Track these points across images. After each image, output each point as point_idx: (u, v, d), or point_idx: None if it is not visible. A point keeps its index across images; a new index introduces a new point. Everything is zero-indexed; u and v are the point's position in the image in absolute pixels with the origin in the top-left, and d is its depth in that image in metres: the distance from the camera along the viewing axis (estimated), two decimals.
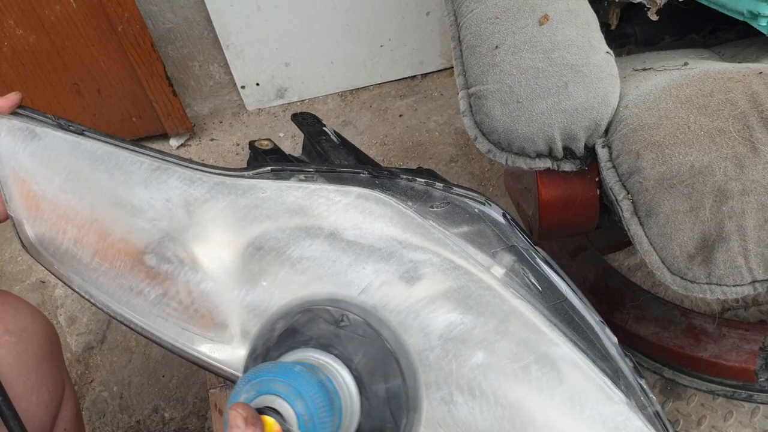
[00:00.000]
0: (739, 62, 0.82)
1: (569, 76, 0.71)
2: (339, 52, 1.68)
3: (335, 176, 0.70)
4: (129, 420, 1.25)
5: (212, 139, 1.72)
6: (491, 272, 0.65)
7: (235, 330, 0.64)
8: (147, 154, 0.65)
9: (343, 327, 0.59)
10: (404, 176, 0.72)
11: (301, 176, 0.68)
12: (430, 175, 0.87)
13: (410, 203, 0.68)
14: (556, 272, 0.68)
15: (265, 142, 0.81)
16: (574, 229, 0.85)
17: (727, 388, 1.13)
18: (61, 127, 0.65)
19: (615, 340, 0.66)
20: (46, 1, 1.41)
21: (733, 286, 0.67)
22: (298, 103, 1.76)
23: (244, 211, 0.64)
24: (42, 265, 0.65)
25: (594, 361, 0.63)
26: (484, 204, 0.71)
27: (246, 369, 0.61)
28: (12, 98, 0.66)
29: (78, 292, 0.65)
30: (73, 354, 1.35)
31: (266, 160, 0.78)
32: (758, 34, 0.80)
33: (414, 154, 1.60)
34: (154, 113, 1.65)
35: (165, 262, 0.64)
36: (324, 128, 0.88)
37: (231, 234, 0.64)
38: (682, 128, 0.68)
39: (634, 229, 0.68)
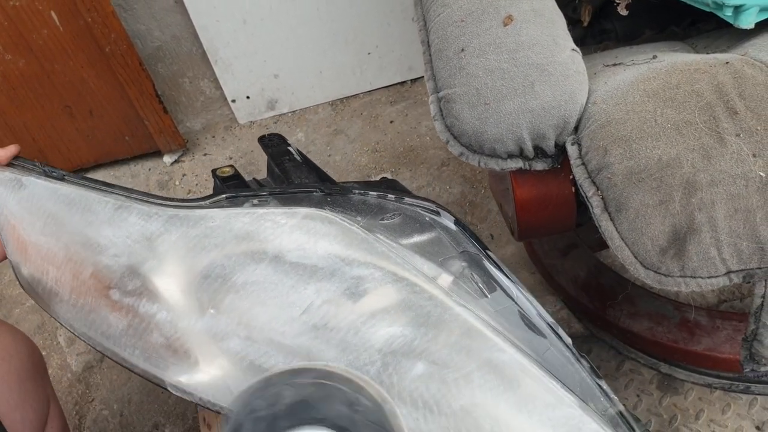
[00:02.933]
0: (709, 53, 0.82)
1: (535, 75, 0.71)
2: (327, 61, 1.69)
3: (288, 198, 0.72)
4: None
5: (205, 154, 1.73)
6: (437, 282, 0.65)
7: (195, 357, 0.65)
8: (113, 193, 0.69)
9: (357, 411, 0.59)
10: (357, 191, 0.73)
11: (255, 201, 0.71)
12: (391, 186, 0.87)
13: (360, 218, 0.69)
14: (506, 276, 0.68)
15: (227, 169, 0.82)
16: (553, 228, 0.85)
17: (724, 381, 1.12)
18: (45, 174, 0.70)
19: (569, 341, 0.66)
20: (32, 25, 1.43)
21: (708, 278, 0.67)
22: (289, 114, 1.77)
23: (195, 241, 0.67)
24: (36, 303, 0.70)
25: (542, 365, 0.63)
26: (435, 213, 0.72)
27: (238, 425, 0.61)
28: (11, 150, 0.72)
29: (64, 326, 0.68)
30: (74, 374, 1.36)
31: (224, 187, 0.79)
32: (730, 24, 0.79)
33: (406, 160, 1.61)
34: (146, 131, 1.67)
35: (127, 296, 0.66)
36: (288, 148, 0.89)
37: (183, 265, 0.67)
38: (649, 122, 0.68)
39: (605, 225, 0.68)
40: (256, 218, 0.68)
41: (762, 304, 0.70)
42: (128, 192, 0.70)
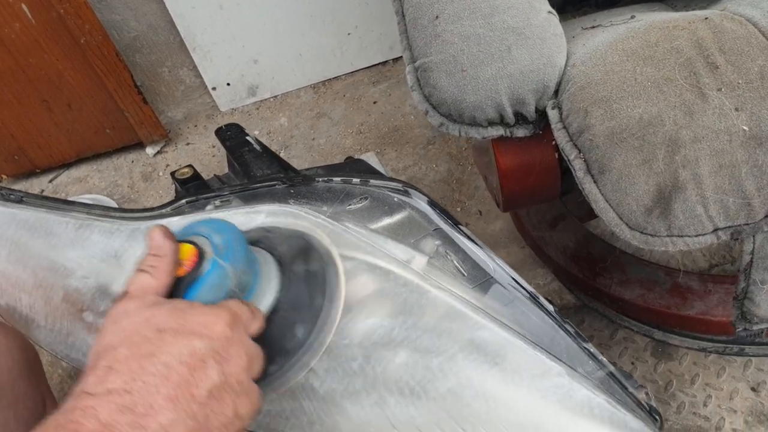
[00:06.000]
0: (688, 11, 0.81)
1: (511, 39, 0.69)
2: (306, 43, 1.67)
3: (250, 195, 0.70)
4: None
5: (188, 144, 1.71)
6: (410, 266, 0.65)
7: None
8: (72, 212, 0.68)
9: (271, 232, 0.62)
10: (320, 179, 0.72)
11: (217, 202, 0.70)
12: (357, 167, 0.86)
13: (326, 207, 0.68)
14: (482, 249, 0.67)
15: (185, 170, 0.81)
16: (538, 196, 0.84)
17: (718, 344, 1.12)
18: (2, 197, 0.69)
19: (551, 307, 0.65)
20: (3, 19, 1.40)
21: (695, 236, 0.66)
22: (271, 99, 1.75)
23: None
24: (19, 330, 0.68)
25: (525, 338, 0.62)
26: (403, 192, 0.71)
27: None
28: None
29: (47, 350, 0.67)
30: (65, 370, 1.34)
31: (183, 190, 0.78)
32: None
33: (391, 140, 1.59)
34: (127, 123, 1.64)
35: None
36: (247, 138, 0.88)
37: None
38: (628, 81, 0.66)
39: (588, 187, 0.67)
40: None
41: (751, 261, 0.70)
42: (88, 209, 0.69)
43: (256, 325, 0.52)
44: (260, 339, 0.52)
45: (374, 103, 1.68)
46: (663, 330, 1.16)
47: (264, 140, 1.64)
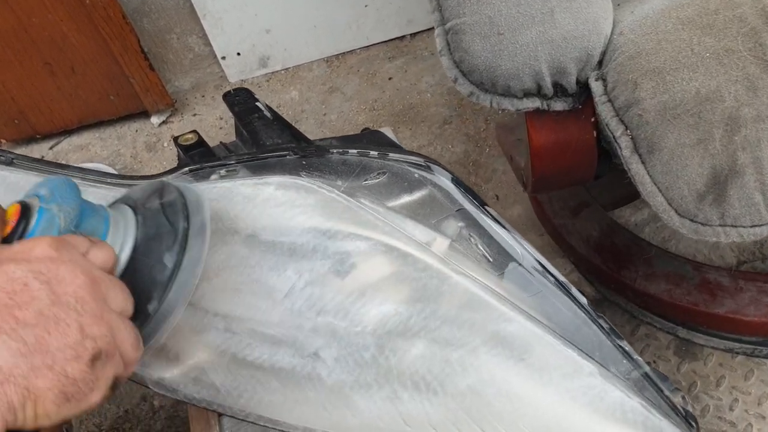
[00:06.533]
0: None
1: (555, 1, 0.63)
2: (321, 15, 1.60)
3: (258, 164, 0.65)
4: (117, 410, 1.19)
5: (195, 115, 1.65)
6: (431, 249, 0.59)
7: (175, 353, 0.60)
8: (65, 176, 0.63)
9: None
10: (335, 150, 0.66)
11: (222, 171, 0.65)
12: (374, 140, 0.80)
13: (340, 182, 0.63)
14: (510, 233, 0.62)
15: (189, 136, 0.75)
16: (570, 178, 0.77)
17: (747, 346, 1.06)
18: None
19: (584, 300, 0.60)
20: None
21: (751, 227, 0.59)
22: (282, 72, 1.68)
23: None
24: None
25: (555, 332, 0.57)
26: (425, 168, 0.65)
27: None
28: None
29: None
30: None
31: (187, 158, 0.72)
32: None
33: (405, 118, 1.53)
34: (132, 90, 1.58)
35: None
36: (257, 104, 0.82)
37: None
38: (684, 51, 0.60)
39: (635, 168, 0.61)
40: (224, 193, 0.62)
41: None
42: (83, 173, 0.64)
43: (100, 254, 0.47)
44: (131, 279, 0.50)
45: (389, 79, 1.61)
46: (688, 328, 1.10)
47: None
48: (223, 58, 1.65)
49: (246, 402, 0.61)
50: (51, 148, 1.64)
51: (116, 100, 1.61)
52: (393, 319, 0.58)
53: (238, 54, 1.65)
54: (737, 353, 1.07)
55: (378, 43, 1.69)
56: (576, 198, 1.19)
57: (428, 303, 0.59)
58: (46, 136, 1.65)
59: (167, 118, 1.65)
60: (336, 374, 0.58)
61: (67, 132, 1.65)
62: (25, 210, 0.48)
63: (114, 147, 1.62)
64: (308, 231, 0.61)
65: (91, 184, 0.66)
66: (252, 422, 0.62)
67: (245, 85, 1.68)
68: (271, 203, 0.62)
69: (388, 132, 1.02)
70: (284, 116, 1.55)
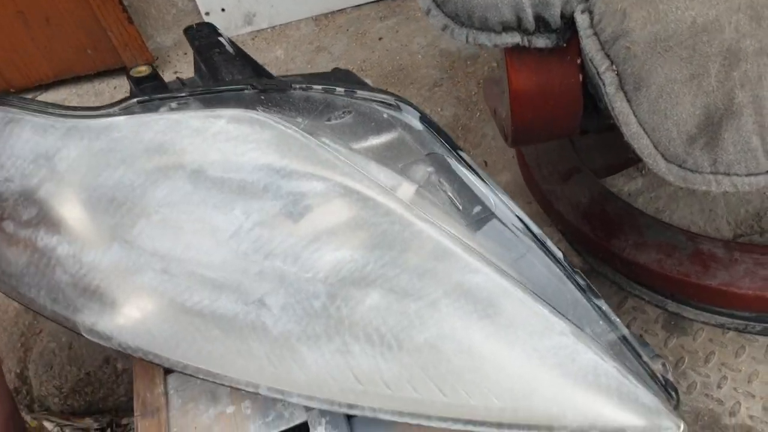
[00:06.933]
0: None
1: None
2: None
3: (213, 98, 0.61)
4: (78, 372, 1.14)
5: (176, 72, 1.58)
6: (395, 194, 0.54)
7: (107, 296, 0.56)
8: (4, 107, 0.60)
9: None
10: (298, 86, 0.61)
11: (173, 104, 0.60)
12: (343, 78, 0.75)
13: (301, 119, 0.58)
14: (483, 180, 0.56)
15: (142, 68, 0.69)
16: (554, 129, 0.71)
17: (739, 321, 1.00)
18: None
19: (560, 254, 0.54)
20: None
21: (746, 175, 0.54)
22: (269, 30, 1.62)
23: (98, 156, 0.57)
24: None
25: (525, 287, 0.51)
26: (395, 107, 0.60)
27: None
28: None
29: None
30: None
31: (138, 90, 0.67)
32: None
33: (394, 80, 1.46)
34: (110, 44, 1.52)
35: (23, 227, 0.57)
36: (220, 38, 0.76)
37: (84, 186, 0.57)
38: None
39: (619, 106, 0.55)
40: (171, 125, 0.57)
41: None
42: (23, 102, 0.60)
43: None
44: None
45: (379, 39, 1.55)
46: (678, 301, 1.04)
47: None
48: (207, 13, 1.59)
49: (184, 352, 0.56)
50: None
51: (93, 54, 1.55)
52: (348, 266, 0.53)
53: (223, 10, 1.58)
54: (728, 329, 1.02)
55: (369, 2, 1.63)
56: (566, 163, 1.13)
57: (388, 250, 0.54)
58: (20, 91, 1.59)
59: None
60: (282, 324, 0.53)
61: (43, 87, 1.59)
62: None
63: (91, 103, 1.56)
64: (260, 168, 0.56)
65: (31, 113, 0.61)
66: (191, 375, 0.57)
67: None
68: (221, 137, 0.57)
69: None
70: None
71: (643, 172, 1.22)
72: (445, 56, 1.48)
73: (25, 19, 1.46)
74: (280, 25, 1.62)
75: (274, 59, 1.56)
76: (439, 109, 1.39)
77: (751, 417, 0.93)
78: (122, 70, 1.58)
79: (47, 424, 1.12)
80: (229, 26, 1.61)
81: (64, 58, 1.54)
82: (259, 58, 1.55)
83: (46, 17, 1.46)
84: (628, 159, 1.13)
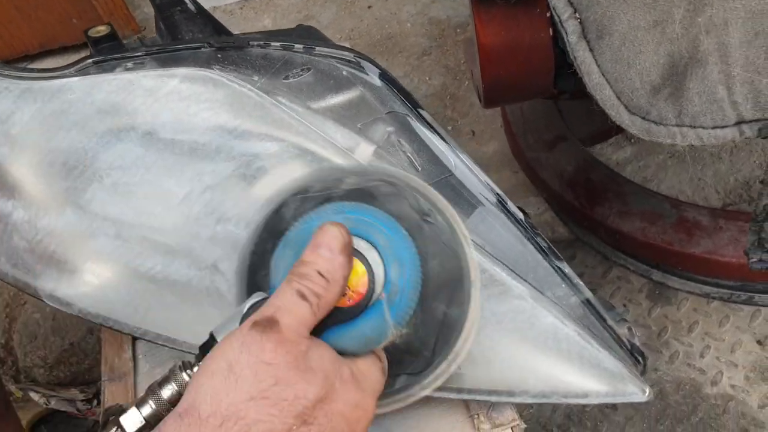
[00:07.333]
0: None
1: None
2: None
3: (169, 57, 0.59)
4: (62, 342, 1.14)
5: None
6: (352, 155, 0.52)
7: (65, 262, 0.54)
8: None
9: (427, 222, 0.47)
10: (255, 43, 0.59)
11: (129, 64, 0.58)
12: (306, 34, 0.72)
13: (257, 77, 0.56)
14: (443, 140, 0.54)
15: (101, 28, 0.67)
16: (526, 87, 0.69)
17: (724, 290, 0.99)
18: None
19: (521, 216, 0.52)
20: None
21: (712, 128, 0.52)
22: None
23: (50, 119, 0.55)
24: None
25: (483, 249, 0.49)
26: (355, 65, 0.58)
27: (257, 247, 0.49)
28: None
29: None
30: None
31: (95, 51, 0.65)
32: None
33: (383, 48, 1.44)
34: (95, 13, 1.50)
35: None
36: None
37: (37, 150, 0.55)
38: None
39: (582, 56, 0.53)
40: (123, 85, 0.55)
41: None
42: None
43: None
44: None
45: (369, 7, 1.52)
46: (662, 270, 1.02)
47: None
48: None
49: (141, 318, 0.55)
50: None
51: (78, 24, 1.53)
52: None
53: None
54: (713, 298, 1.00)
55: None
56: (552, 131, 1.11)
57: None
58: (5, 62, 1.57)
59: None
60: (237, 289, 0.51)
61: (28, 57, 1.58)
62: (369, 293, 0.41)
63: None
64: (213, 129, 0.54)
65: None
66: (151, 341, 0.56)
67: (217, 13, 1.59)
68: (174, 97, 0.55)
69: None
70: None
71: (632, 140, 1.20)
72: (435, 24, 1.46)
73: None
74: None
75: (261, 28, 1.53)
76: (427, 78, 1.37)
77: (732, 386, 0.92)
78: None
79: (33, 395, 1.11)
80: None
81: (49, 27, 1.52)
82: (246, 27, 1.53)
83: None
84: (613, 126, 1.11)
